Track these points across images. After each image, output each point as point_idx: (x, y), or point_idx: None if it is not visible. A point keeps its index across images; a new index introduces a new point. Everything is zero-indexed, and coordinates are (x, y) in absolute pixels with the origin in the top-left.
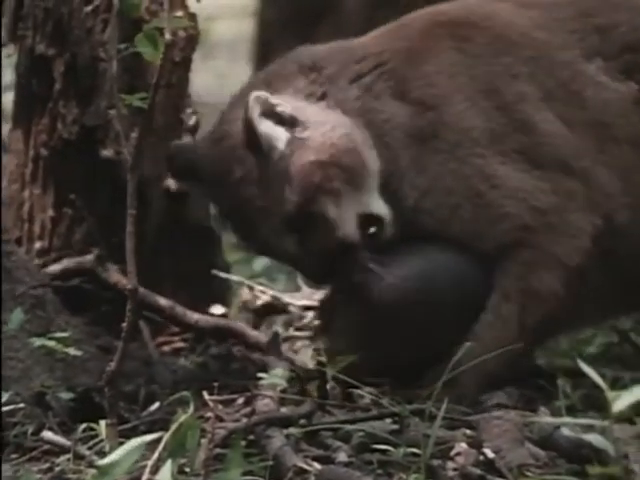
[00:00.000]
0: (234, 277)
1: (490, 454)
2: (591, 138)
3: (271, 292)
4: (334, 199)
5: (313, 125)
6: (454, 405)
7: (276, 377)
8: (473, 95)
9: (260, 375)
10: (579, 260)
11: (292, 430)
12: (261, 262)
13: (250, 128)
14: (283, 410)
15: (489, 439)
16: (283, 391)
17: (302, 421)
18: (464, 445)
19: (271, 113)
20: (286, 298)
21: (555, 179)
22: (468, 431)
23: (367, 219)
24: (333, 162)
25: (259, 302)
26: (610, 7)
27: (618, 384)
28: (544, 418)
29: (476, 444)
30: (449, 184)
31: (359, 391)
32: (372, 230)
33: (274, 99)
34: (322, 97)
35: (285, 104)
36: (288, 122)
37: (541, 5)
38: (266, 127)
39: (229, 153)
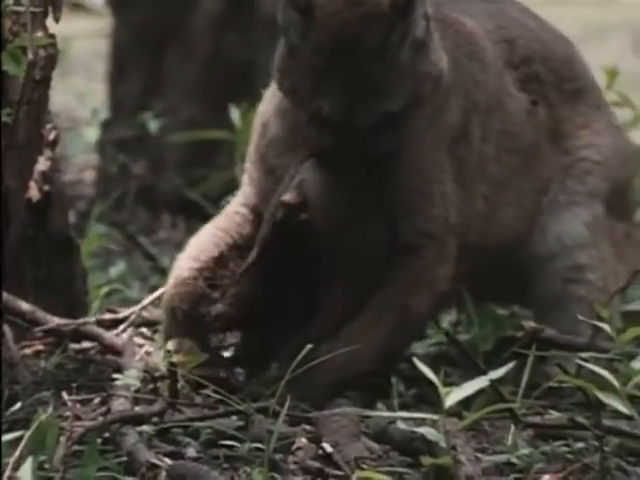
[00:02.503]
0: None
1: (328, 448)
2: (495, 149)
3: None
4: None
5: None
6: (296, 403)
7: (130, 378)
8: (460, 92)
9: (115, 376)
10: (445, 288)
11: (145, 428)
12: (117, 269)
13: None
14: (137, 409)
15: (327, 434)
16: (137, 391)
17: (154, 419)
18: (304, 440)
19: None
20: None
21: (464, 199)
22: (308, 427)
23: None
24: (435, 84)
25: None
26: (514, 21)
27: (447, 381)
28: (379, 413)
29: (315, 439)
30: (420, 165)
31: (207, 391)
32: None
33: None
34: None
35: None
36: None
37: (473, 16)
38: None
39: (367, 18)
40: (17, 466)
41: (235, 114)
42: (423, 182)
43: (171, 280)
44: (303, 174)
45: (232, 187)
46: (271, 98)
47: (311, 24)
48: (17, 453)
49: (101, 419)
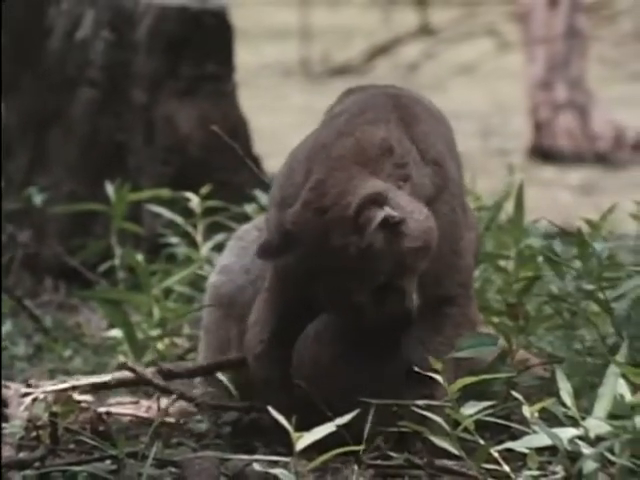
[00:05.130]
0: None
1: None
2: None
3: None
4: (414, 276)
5: (406, 212)
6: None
7: (15, 427)
8: (449, 154)
9: (2, 425)
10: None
11: (28, 472)
12: (4, 328)
13: (363, 222)
14: (20, 455)
15: (191, 476)
16: (21, 439)
17: (36, 464)
18: None
19: (381, 203)
20: None
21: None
22: (174, 469)
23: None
24: (425, 247)
25: None
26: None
27: (299, 427)
28: (237, 456)
29: None
30: (449, 230)
31: (84, 438)
32: None
33: (389, 193)
34: (405, 180)
35: (392, 194)
36: (387, 205)
37: None
38: (374, 215)
39: (333, 225)
40: None
41: (110, 189)
42: (456, 243)
43: (249, 356)
44: None
45: (108, 254)
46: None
47: (290, 237)
48: None
49: None
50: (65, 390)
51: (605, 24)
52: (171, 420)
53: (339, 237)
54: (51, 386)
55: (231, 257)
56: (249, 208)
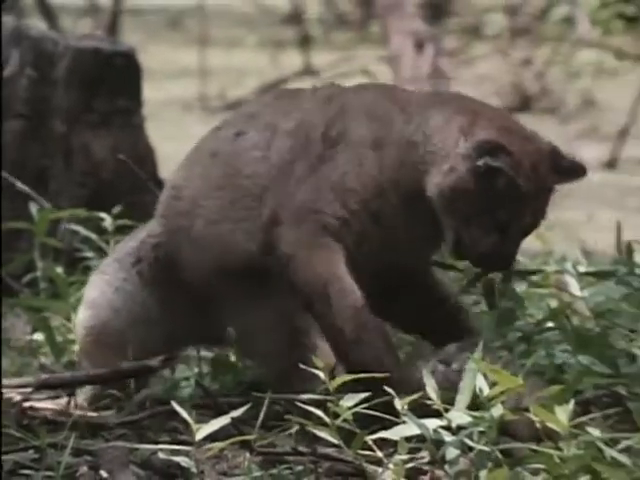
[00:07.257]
0: None
1: (105, 475)
2: None
3: None
4: None
5: None
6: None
7: None
8: None
9: None
10: None
11: None
12: None
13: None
14: None
15: (104, 463)
16: None
17: None
18: (86, 468)
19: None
20: None
21: None
22: (89, 457)
23: None
24: None
25: None
26: None
27: (199, 419)
28: (144, 446)
29: (95, 467)
30: None
31: (9, 430)
32: None
33: None
34: None
35: None
36: None
37: None
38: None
39: (537, 157)
40: None
41: (34, 209)
42: None
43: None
44: None
45: (31, 267)
46: (379, 167)
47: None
48: None
49: None
50: None
51: (463, 67)
52: (86, 414)
53: (544, 169)
54: None
55: (95, 291)
56: None
